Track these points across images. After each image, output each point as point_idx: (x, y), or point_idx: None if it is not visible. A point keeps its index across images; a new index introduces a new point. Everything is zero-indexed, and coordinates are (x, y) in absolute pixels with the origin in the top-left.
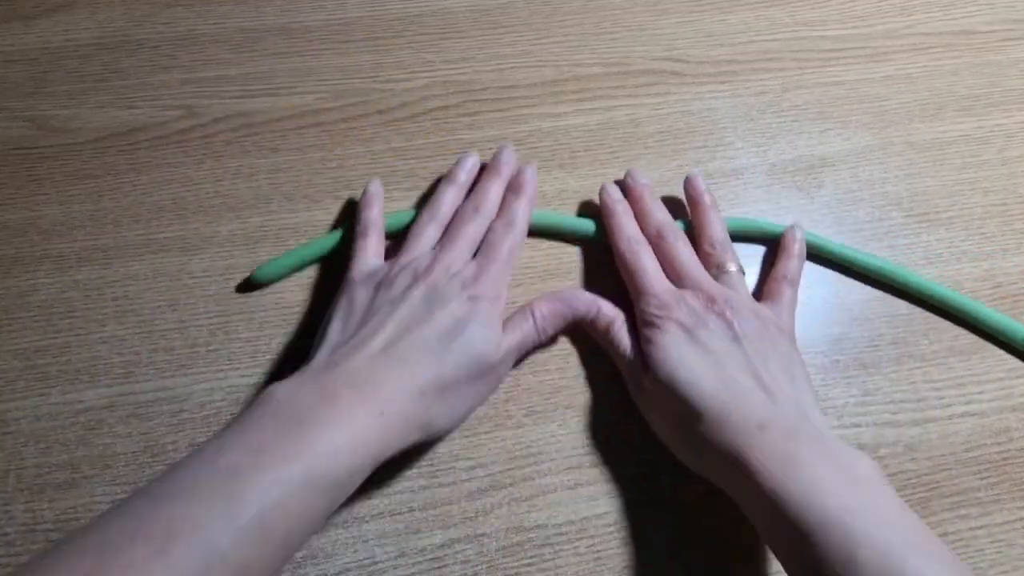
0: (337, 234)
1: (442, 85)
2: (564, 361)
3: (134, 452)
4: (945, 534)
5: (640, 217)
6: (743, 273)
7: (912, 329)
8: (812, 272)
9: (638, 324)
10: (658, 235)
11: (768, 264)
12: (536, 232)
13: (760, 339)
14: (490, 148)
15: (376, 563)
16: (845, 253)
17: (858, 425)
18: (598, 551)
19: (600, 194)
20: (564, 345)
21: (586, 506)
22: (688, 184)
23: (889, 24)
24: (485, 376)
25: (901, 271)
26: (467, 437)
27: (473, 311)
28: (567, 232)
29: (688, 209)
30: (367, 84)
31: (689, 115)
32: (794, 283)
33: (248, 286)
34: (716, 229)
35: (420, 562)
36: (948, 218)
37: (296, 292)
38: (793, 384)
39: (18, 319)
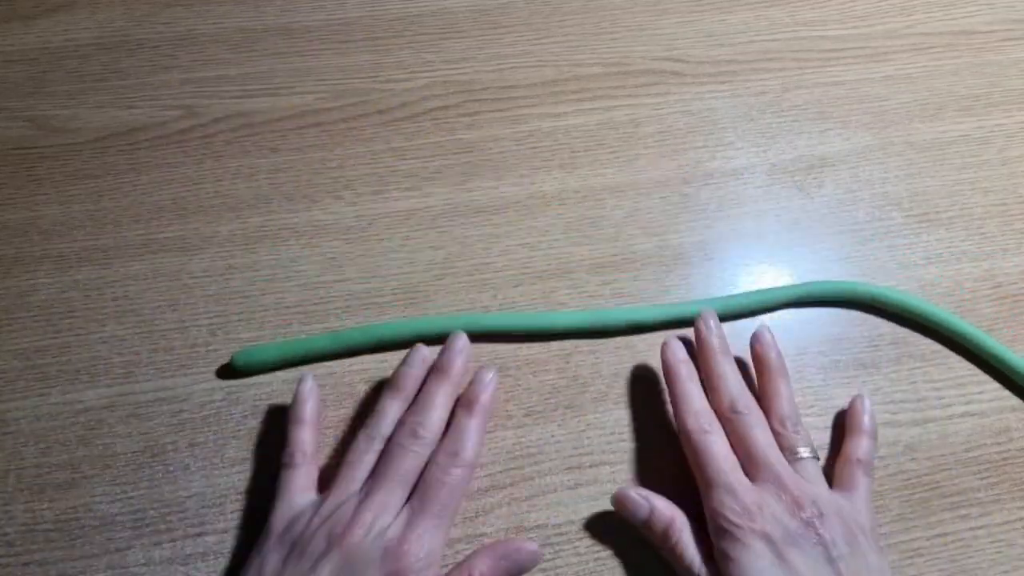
0: (328, 338)
1: (442, 85)
2: (564, 361)
3: (134, 452)
4: (945, 534)
5: (710, 381)
6: (817, 459)
7: (912, 329)
8: (815, 270)
9: (710, 528)
10: (732, 409)
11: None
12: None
13: (853, 555)
14: (490, 148)
15: None
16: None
17: None
18: (598, 551)
19: (662, 351)
20: (564, 345)
21: (586, 506)
22: (756, 342)
23: (889, 24)
24: None
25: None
26: None
27: None
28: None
29: (753, 372)
30: (367, 84)
31: (689, 115)
32: (868, 467)
33: (229, 372)
34: (786, 403)
35: None
36: (948, 218)
37: (295, 292)
38: None
39: (18, 319)
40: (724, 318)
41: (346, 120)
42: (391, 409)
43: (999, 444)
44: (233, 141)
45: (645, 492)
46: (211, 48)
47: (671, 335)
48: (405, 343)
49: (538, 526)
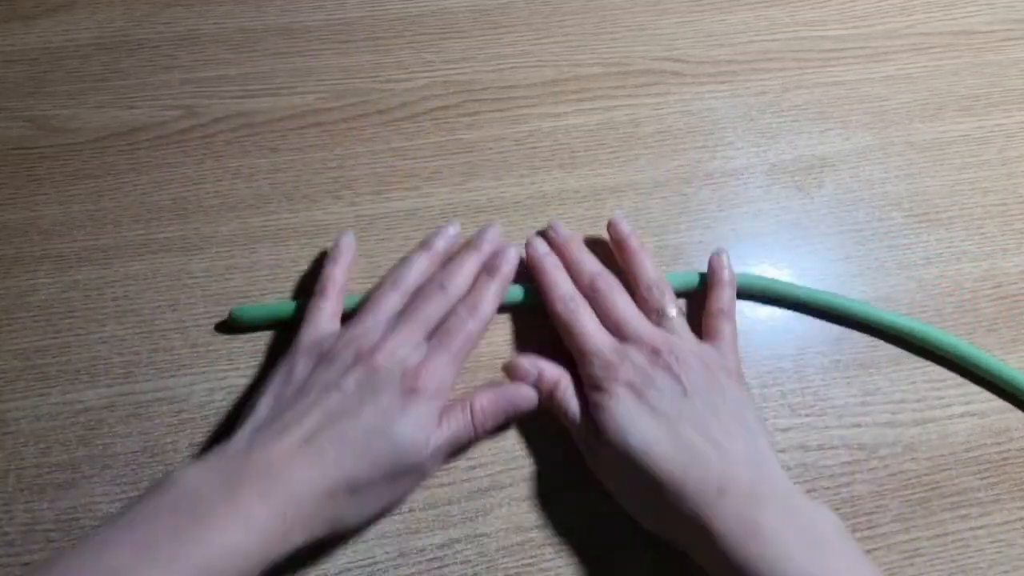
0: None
1: (442, 85)
2: (564, 362)
3: (134, 452)
4: (945, 534)
5: (571, 268)
6: (684, 315)
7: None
8: (814, 270)
9: (585, 387)
10: (592, 287)
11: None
12: None
13: (710, 390)
14: (490, 148)
15: (376, 563)
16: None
17: (858, 425)
18: (598, 551)
19: (526, 249)
20: (564, 347)
21: (586, 506)
22: (612, 228)
23: (889, 24)
24: (408, 475)
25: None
26: None
27: (407, 407)
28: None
29: (616, 254)
30: (367, 84)
31: (689, 115)
32: (730, 315)
33: (227, 327)
34: (649, 272)
35: (420, 562)
36: (948, 218)
37: (295, 292)
38: (747, 433)
39: (18, 319)
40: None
41: (346, 120)
42: (419, 264)
43: (999, 444)
44: (233, 141)
45: (534, 359)
46: (211, 48)
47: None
48: None
49: (538, 526)
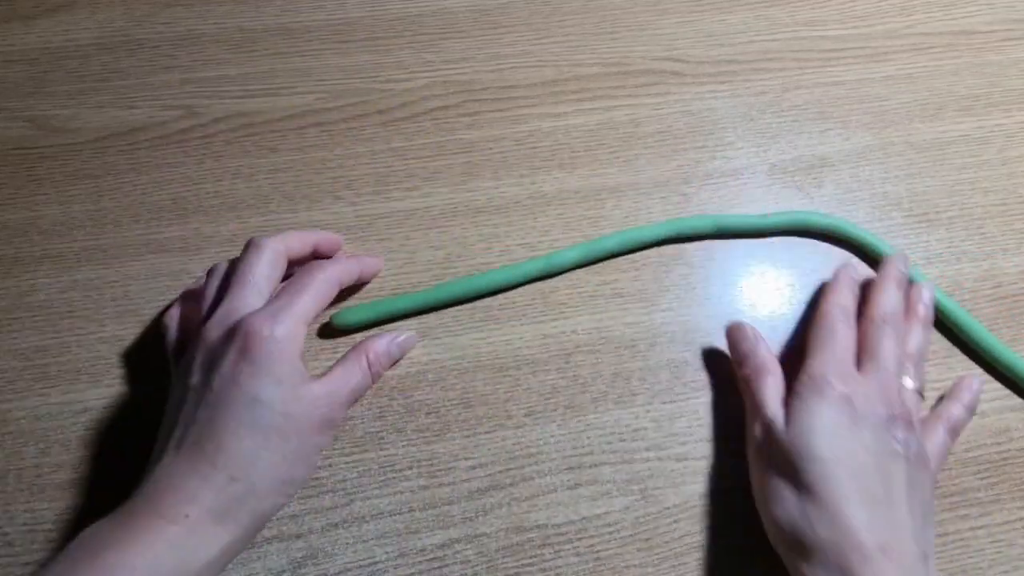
0: (431, 293)
1: (442, 85)
2: (564, 361)
3: (135, 452)
4: (945, 534)
5: (874, 294)
6: (922, 398)
7: None
8: (816, 270)
9: (801, 379)
10: (882, 320)
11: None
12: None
13: (918, 468)
14: (490, 148)
15: (376, 563)
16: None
17: None
18: (598, 551)
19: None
20: (564, 345)
21: (586, 506)
22: (914, 292)
23: (889, 24)
24: (296, 432)
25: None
26: (467, 437)
27: (243, 365)
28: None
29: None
30: (367, 84)
31: (689, 115)
32: (955, 433)
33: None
34: (918, 342)
35: (420, 562)
36: (948, 218)
37: None
38: (925, 528)
39: (18, 319)
40: (722, 235)
41: (346, 120)
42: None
43: (999, 444)
44: (233, 141)
45: (758, 332)
46: (211, 48)
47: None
48: (499, 290)
49: (538, 526)
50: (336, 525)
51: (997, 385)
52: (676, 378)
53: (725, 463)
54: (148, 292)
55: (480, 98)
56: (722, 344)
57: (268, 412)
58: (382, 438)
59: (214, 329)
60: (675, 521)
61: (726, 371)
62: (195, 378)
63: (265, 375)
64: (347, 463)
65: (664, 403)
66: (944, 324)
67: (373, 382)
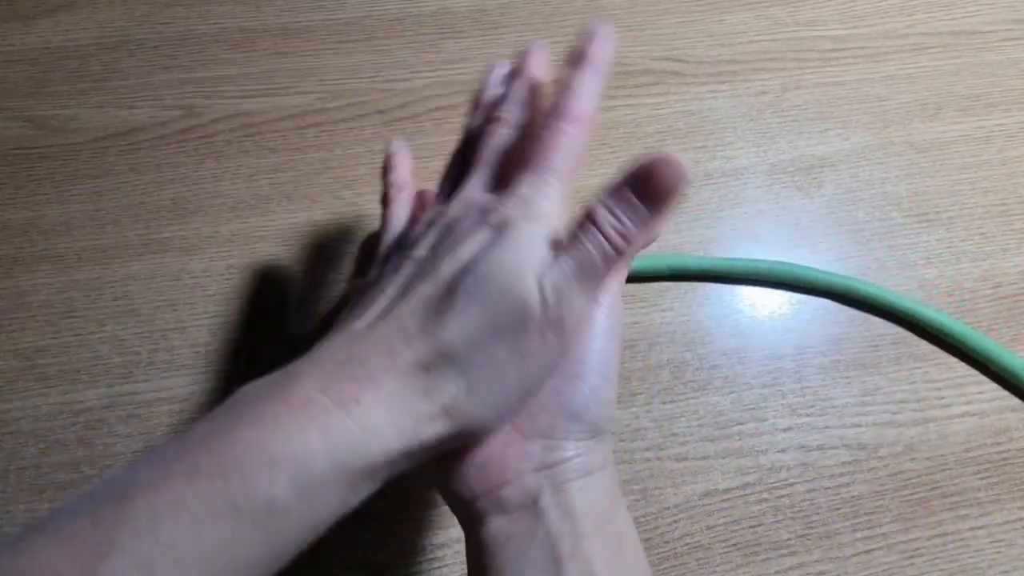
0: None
1: (442, 85)
2: None
3: (134, 452)
4: (945, 534)
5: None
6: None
7: (912, 329)
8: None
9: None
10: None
11: None
12: None
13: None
14: None
15: (376, 563)
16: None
17: (858, 425)
18: None
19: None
20: None
21: None
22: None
23: (889, 24)
24: (525, 327)
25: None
26: None
27: (493, 241)
28: None
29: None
30: (367, 84)
31: (689, 115)
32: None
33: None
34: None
35: (420, 562)
36: (948, 218)
37: (296, 292)
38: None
39: (18, 319)
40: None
41: (346, 120)
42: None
43: (999, 444)
44: (233, 141)
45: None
46: (211, 48)
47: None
48: None
49: None
50: (336, 525)
51: (996, 385)
52: (676, 378)
53: (725, 463)
54: (148, 292)
55: None
56: (722, 344)
57: (493, 296)
58: None
59: (459, 204)
60: (675, 521)
61: (726, 371)
62: (420, 251)
63: (509, 255)
64: None
65: (664, 403)
66: (941, 336)
67: (619, 258)
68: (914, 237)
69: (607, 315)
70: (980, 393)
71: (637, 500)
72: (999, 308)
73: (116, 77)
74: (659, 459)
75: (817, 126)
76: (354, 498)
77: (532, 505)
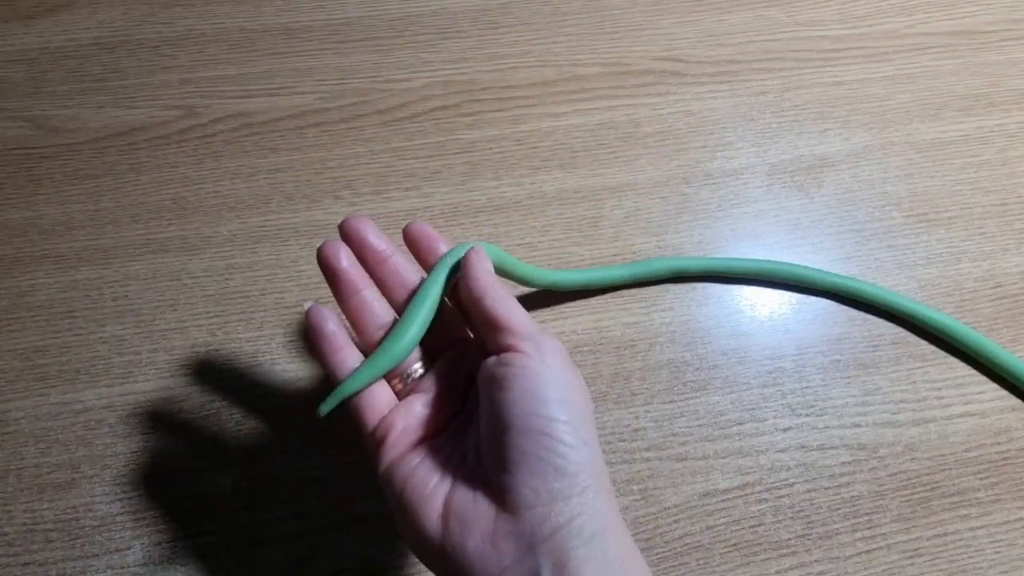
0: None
1: (442, 85)
2: None
3: (134, 452)
4: (945, 534)
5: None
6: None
7: (912, 329)
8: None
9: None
10: None
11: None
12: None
13: None
14: (490, 148)
15: (376, 563)
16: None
17: (858, 425)
18: None
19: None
20: (564, 344)
21: None
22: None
23: (889, 24)
24: None
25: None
26: None
27: None
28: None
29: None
30: (367, 84)
31: (689, 115)
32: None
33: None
34: None
35: (420, 562)
36: (948, 218)
37: (295, 292)
38: None
39: (18, 319)
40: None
41: (346, 120)
42: None
43: (999, 444)
44: (233, 141)
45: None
46: (211, 48)
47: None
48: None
49: None
50: (336, 525)
51: (996, 385)
52: (676, 378)
53: (725, 463)
54: (148, 292)
55: (480, 98)
56: (722, 344)
57: None
58: None
59: None
60: (675, 521)
61: (726, 371)
62: None
63: None
64: (347, 463)
65: (664, 403)
66: (941, 336)
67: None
68: (914, 237)
69: (522, 370)
70: (980, 393)
71: (637, 500)
72: (999, 308)
73: (116, 77)
74: (659, 459)
75: (817, 126)
76: None
77: None
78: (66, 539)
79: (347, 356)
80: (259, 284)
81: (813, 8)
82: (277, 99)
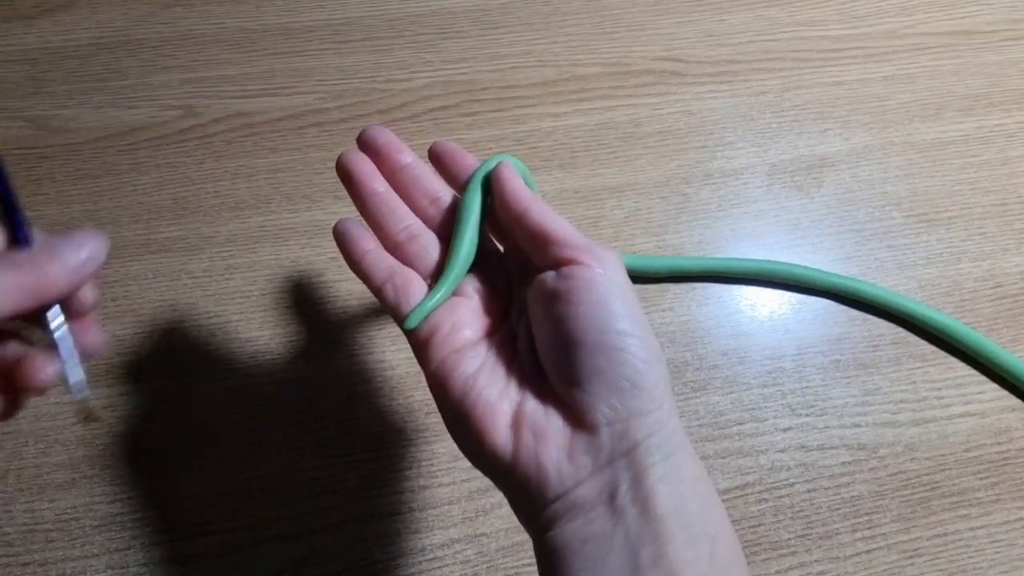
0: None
1: (442, 85)
2: None
3: (134, 452)
4: (945, 534)
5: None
6: None
7: (912, 329)
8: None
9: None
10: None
11: None
12: None
13: None
14: (491, 147)
15: (376, 563)
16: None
17: (858, 425)
18: None
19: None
20: None
21: None
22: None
23: (889, 24)
24: None
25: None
26: None
27: None
28: None
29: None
30: (367, 84)
31: (689, 115)
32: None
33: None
34: None
35: (420, 562)
36: (948, 218)
37: (295, 292)
38: None
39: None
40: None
41: (346, 120)
42: None
43: (999, 444)
44: (233, 141)
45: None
46: (211, 48)
47: None
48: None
49: None
50: (336, 525)
51: (996, 385)
52: (676, 378)
53: (725, 463)
54: (148, 292)
55: (480, 98)
56: (722, 344)
57: None
58: (381, 438)
59: None
60: None
61: (726, 371)
62: None
63: None
64: (347, 463)
65: None
66: (941, 336)
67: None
68: (914, 237)
69: (589, 283)
70: (980, 393)
71: None
72: (999, 308)
73: (116, 77)
74: None
75: (817, 126)
76: None
77: (609, 502)
78: (66, 539)
79: (376, 258)
80: (259, 284)
81: (813, 8)
82: (277, 99)
